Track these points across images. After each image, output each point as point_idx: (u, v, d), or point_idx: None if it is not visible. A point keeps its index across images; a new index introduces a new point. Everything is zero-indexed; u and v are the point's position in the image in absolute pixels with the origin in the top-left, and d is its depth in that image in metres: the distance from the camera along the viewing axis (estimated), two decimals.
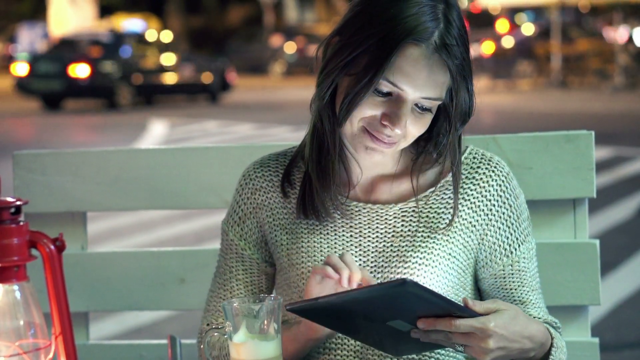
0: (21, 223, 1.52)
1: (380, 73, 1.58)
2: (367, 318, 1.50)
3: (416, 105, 1.62)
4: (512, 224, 1.74)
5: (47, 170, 2.16)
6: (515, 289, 1.75)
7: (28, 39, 32.39)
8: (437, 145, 1.70)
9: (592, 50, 23.14)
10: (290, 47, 29.00)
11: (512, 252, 1.74)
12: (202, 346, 1.51)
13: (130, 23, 29.77)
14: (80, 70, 19.04)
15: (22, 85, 19.54)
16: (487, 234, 1.73)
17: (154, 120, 15.76)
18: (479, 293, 1.79)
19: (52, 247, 1.54)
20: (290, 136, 13.13)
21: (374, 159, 1.67)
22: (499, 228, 1.73)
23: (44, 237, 1.54)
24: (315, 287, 1.58)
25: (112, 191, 2.16)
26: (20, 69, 19.80)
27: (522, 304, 1.75)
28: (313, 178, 1.72)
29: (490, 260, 1.74)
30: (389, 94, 1.61)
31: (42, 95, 19.44)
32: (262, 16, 32.36)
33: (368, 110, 1.61)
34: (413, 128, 1.63)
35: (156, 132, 14.44)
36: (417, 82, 1.59)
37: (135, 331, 5.01)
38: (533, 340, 1.59)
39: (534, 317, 1.74)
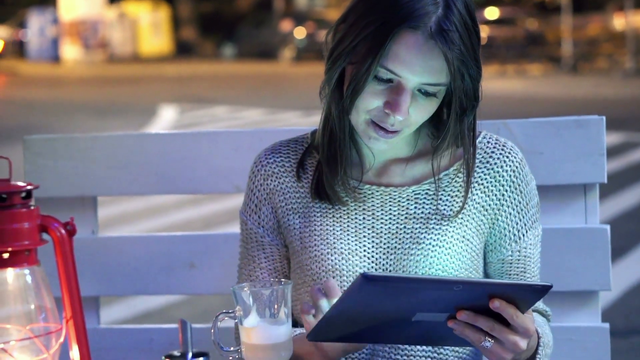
0: (32, 207, 1.52)
1: (376, 61, 1.58)
2: (387, 320, 1.45)
3: (419, 90, 1.61)
4: (522, 210, 1.74)
5: (57, 154, 2.17)
6: (517, 275, 1.75)
7: (38, 25, 32.43)
8: (443, 130, 1.67)
9: (603, 36, 23.06)
10: (300, 32, 28.93)
11: (520, 238, 1.74)
12: (212, 330, 1.51)
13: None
14: None
15: None
16: (498, 219, 1.73)
17: (164, 105, 15.76)
18: (485, 278, 1.78)
19: (62, 231, 1.54)
20: (300, 121, 13.12)
21: (380, 147, 1.67)
22: (510, 214, 1.74)
23: (55, 221, 1.54)
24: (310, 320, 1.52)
25: (122, 176, 2.16)
26: None
27: None
28: (323, 163, 1.72)
29: (499, 245, 1.74)
30: (389, 80, 1.60)
31: None
32: (272, 1, 32.31)
33: (371, 98, 1.61)
34: (416, 114, 1.63)
35: (166, 117, 14.46)
36: (415, 69, 1.58)
37: (146, 315, 5.02)
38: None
39: None
